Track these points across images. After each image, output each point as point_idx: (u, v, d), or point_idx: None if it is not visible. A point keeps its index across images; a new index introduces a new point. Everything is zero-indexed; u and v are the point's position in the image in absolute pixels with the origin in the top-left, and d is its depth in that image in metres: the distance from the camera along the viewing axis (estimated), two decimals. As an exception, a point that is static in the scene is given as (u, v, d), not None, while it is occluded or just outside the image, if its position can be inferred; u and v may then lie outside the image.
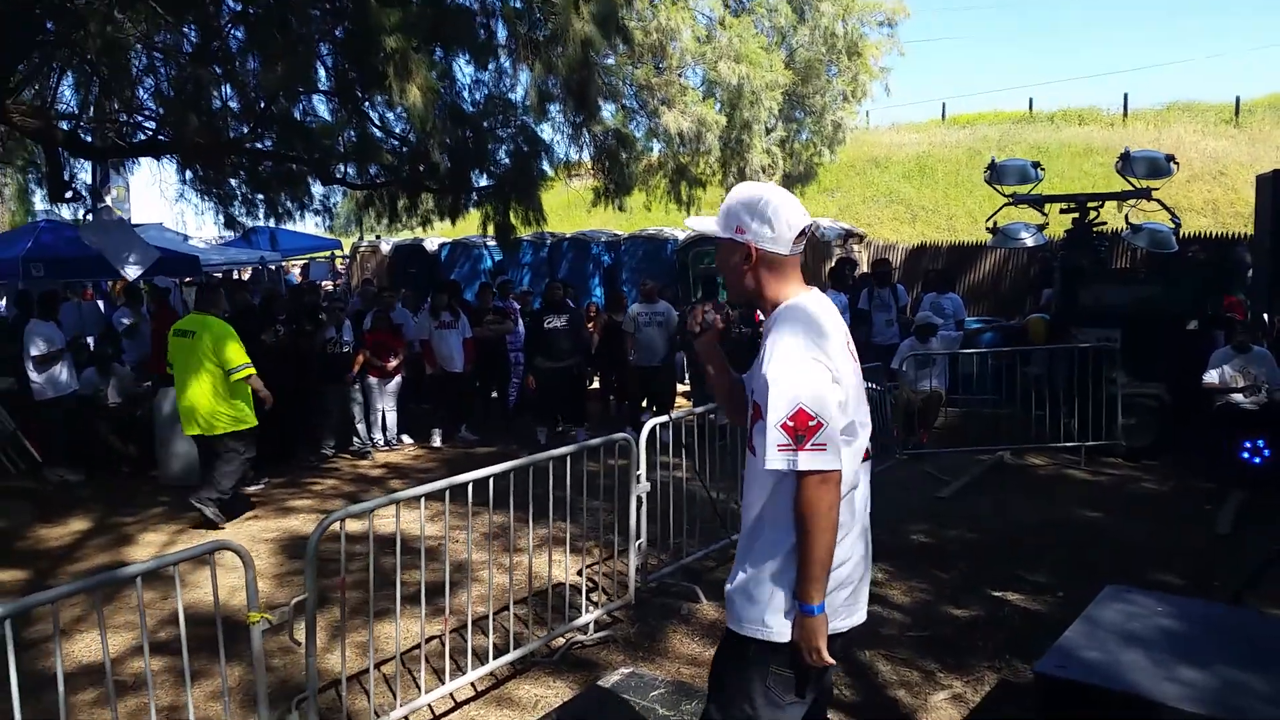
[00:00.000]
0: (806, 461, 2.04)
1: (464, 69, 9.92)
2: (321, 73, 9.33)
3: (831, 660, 2.15)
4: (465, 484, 4.04)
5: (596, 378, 11.22)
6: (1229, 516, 6.53)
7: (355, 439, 9.24)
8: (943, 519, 6.79)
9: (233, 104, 9.41)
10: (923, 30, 71.33)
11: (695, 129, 11.10)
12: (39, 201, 14.59)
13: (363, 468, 8.76)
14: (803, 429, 2.03)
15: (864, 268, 12.60)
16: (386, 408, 9.48)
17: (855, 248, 13.38)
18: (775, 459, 2.07)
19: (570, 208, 23.45)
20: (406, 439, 9.72)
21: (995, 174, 9.20)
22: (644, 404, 9.64)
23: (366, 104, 9.33)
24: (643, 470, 5.01)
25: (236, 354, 6.67)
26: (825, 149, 13.92)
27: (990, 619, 4.97)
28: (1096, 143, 25.30)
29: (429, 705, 4.04)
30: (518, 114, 9.39)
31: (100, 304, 11.63)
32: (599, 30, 7.69)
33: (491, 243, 13.36)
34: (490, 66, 9.59)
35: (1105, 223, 9.12)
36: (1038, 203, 9.04)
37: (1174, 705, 2.89)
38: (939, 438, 9.03)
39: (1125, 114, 28.01)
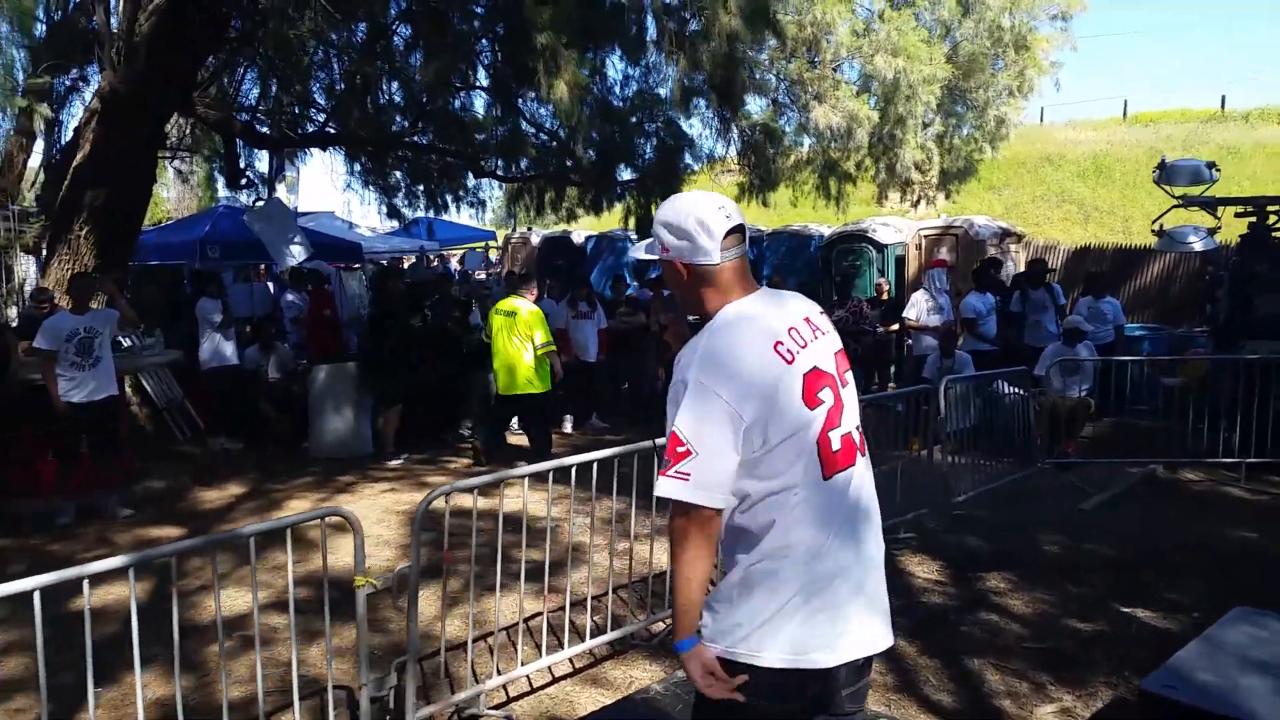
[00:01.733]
0: (663, 486, 1.91)
1: (616, 65, 10.12)
2: (481, 70, 9.74)
3: (729, 694, 1.94)
4: (569, 467, 4.17)
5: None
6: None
7: (493, 421, 9.59)
8: (1080, 532, 6.45)
9: (397, 98, 9.94)
10: (1104, 24, 66.91)
11: (845, 124, 10.91)
12: (221, 188, 15.79)
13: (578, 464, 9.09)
14: (670, 453, 1.91)
15: (1022, 268, 12.06)
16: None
17: (1013, 248, 12.80)
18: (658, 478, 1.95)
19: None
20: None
21: (1165, 174, 8.62)
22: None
23: (520, 99, 9.64)
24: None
25: (546, 333, 7.91)
26: (987, 145, 13.35)
27: (1115, 635, 4.70)
28: (1285, 143, 23.32)
29: (527, 677, 4.19)
30: (664, 109, 9.49)
31: (270, 285, 12.49)
32: (746, 24, 7.66)
33: (635, 236, 13.57)
34: (640, 62, 9.76)
35: (1288, 228, 8.39)
36: (1210, 205, 8.42)
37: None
38: (1086, 448, 8.56)
39: (1334, 109, 25.63)
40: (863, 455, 2.10)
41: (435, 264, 17.53)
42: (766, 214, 15.54)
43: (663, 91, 10.23)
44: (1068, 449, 8.34)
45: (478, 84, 9.65)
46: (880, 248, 12.72)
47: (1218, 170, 8.65)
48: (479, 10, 8.22)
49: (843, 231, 13.23)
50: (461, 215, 13.33)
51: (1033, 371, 8.42)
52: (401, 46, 9.35)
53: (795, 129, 11.82)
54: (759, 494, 1.96)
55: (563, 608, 4.40)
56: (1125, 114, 29.89)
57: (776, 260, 13.89)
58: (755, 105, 11.95)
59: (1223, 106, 28.23)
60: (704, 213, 2.02)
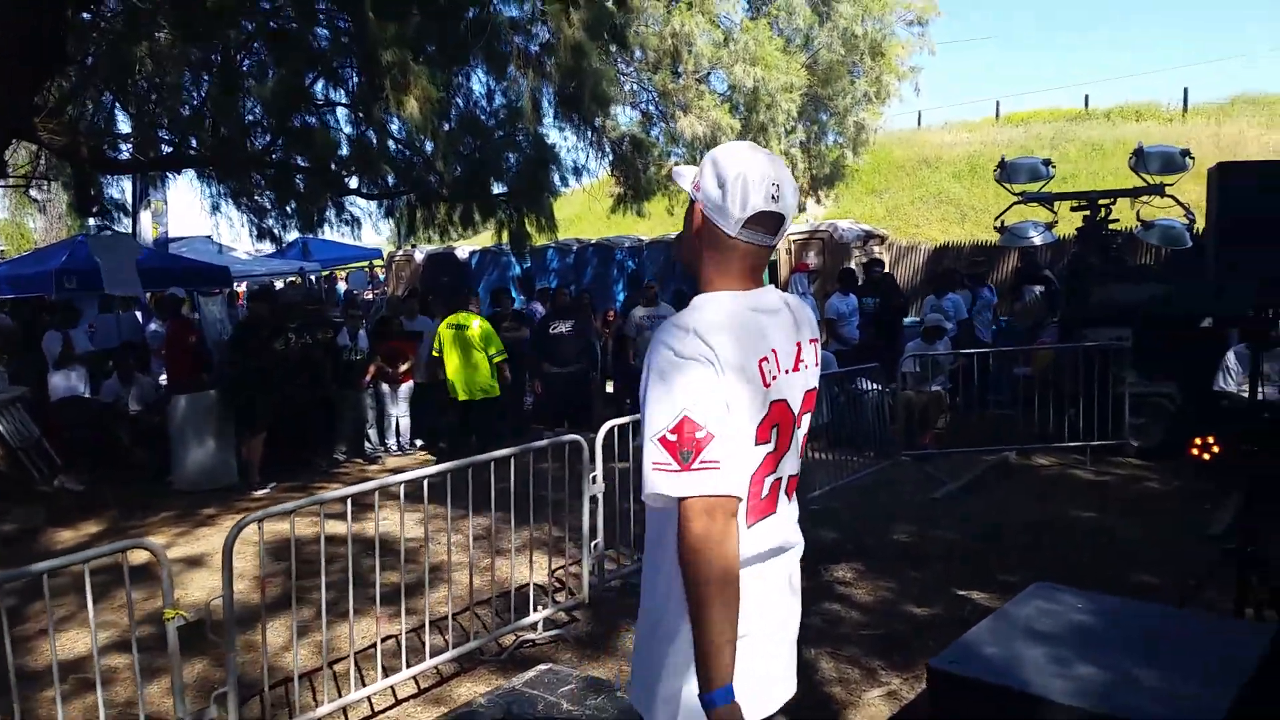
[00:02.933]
0: (690, 484, 1.57)
1: (480, 80, 10.12)
2: (338, 88, 9.62)
3: None
4: (398, 485, 4.15)
5: (610, 382, 11.31)
6: (1225, 518, 6.33)
7: (367, 444, 9.46)
8: (931, 520, 6.70)
9: (251, 117, 9.74)
10: (972, 28, 69.91)
11: (710, 133, 11.13)
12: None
13: (371, 473, 8.95)
14: (688, 443, 1.57)
15: (887, 269, 12.47)
16: (399, 414, 9.68)
17: (876, 249, 13.24)
18: (653, 480, 1.60)
19: (599, 214, 23.75)
20: (419, 444, 9.90)
21: (1005, 172, 9.05)
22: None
23: (385, 115, 9.56)
24: (599, 471, 5.07)
25: (498, 344, 8.49)
26: (849, 151, 13.78)
27: (949, 619, 4.89)
28: (1154, 139, 24.47)
29: (369, 700, 4.15)
30: (530, 123, 9.53)
31: (139, 315, 12.08)
32: (589, 36, 7.77)
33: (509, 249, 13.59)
34: (505, 78, 9.77)
35: (1118, 220, 8.89)
36: (1048, 200, 8.86)
37: (1057, 700, 2.84)
38: (943, 439, 8.89)
39: (1185, 109, 27.16)
40: (789, 502, 1.88)
41: (314, 284, 17.20)
42: (646, 223, 15.74)
43: (526, 105, 10.28)
44: (925, 441, 8.64)
45: (336, 101, 9.55)
46: (753, 253, 12.92)
47: (1053, 167, 9.11)
48: (326, 29, 8.11)
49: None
50: (335, 234, 13.11)
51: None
52: (254, 65, 9.18)
53: (665, 140, 12.00)
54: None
55: (414, 629, 4.38)
56: (998, 115, 31.11)
57: (657, 269, 14.07)
58: (625, 117, 12.11)
59: (1086, 105, 29.64)
60: (753, 178, 1.72)
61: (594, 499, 5.08)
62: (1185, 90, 27.27)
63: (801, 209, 14.94)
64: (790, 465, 1.85)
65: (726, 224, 1.74)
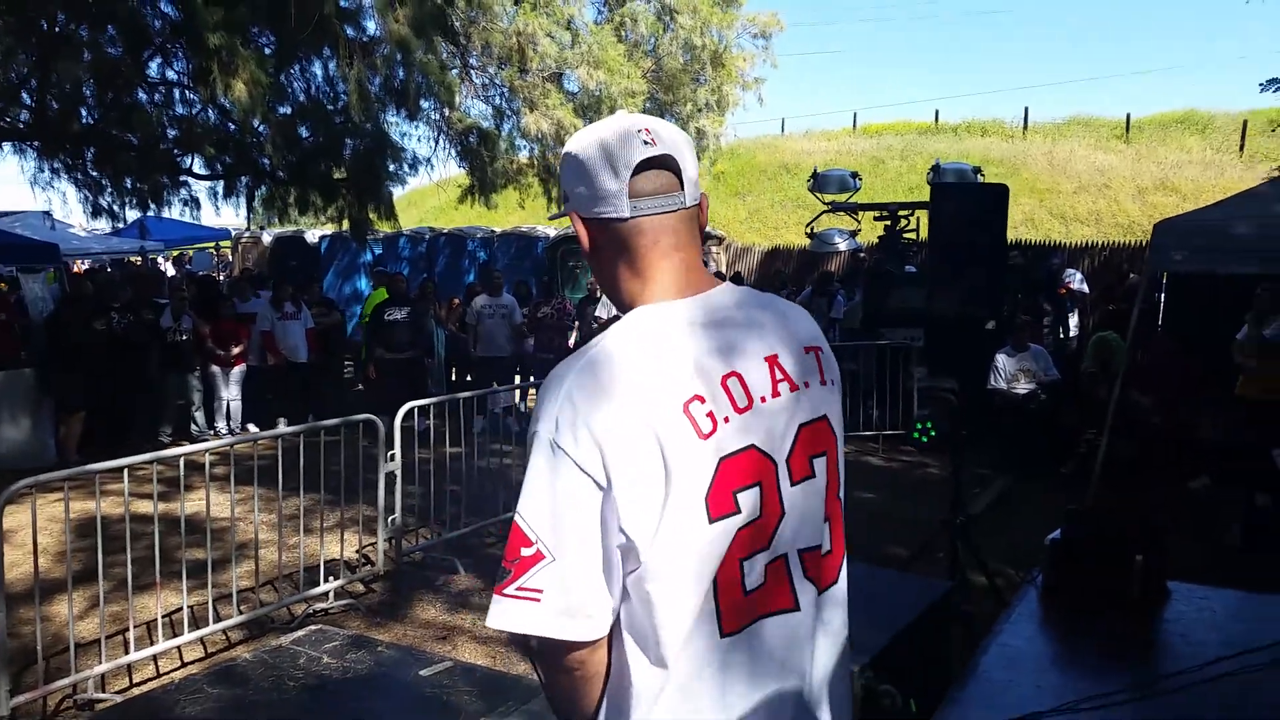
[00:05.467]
0: (500, 615, 1.18)
1: (321, 68, 10.17)
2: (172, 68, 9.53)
3: None
4: (177, 458, 4.35)
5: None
6: (985, 499, 7.08)
7: (193, 427, 9.42)
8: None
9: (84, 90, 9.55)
10: (830, 41, 73.20)
11: (555, 131, 11.50)
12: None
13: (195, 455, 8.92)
14: (513, 555, 1.18)
15: (722, 269, 13.11)
16: (230, 396, 9.67)
17: (714, 249, 13.89)
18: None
19: (453, 205, 23.90)
20: (252, 427, 9.90)
21: (817, 183, 9.69)
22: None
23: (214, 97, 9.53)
24: (396, 450, 5.36)
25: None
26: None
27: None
28: (994, 154, 26.25)
29: (154, 659, 4.34)
30: (353, 112, 9.64)
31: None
32: (415, 33, 8.02)
33: (371, 236, 13.63)
34: (351, 66, 9.87)
35: (915, 230, 9.68)
36: (853, 210, 9.56)
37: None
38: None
39: (1025, 127, 29.05)
40: (823, 591, 1.32)
41: (151, 265, 16.76)
42: (499, 216, 15.98)
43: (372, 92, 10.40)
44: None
45: (171, 81, 9.47)
46: (601, 248, 13.41)
47: (860, 179, 9.83)
48: (151, 9, 8.09)
49: (565, 233, 13.88)
50: (176, 214, 12.86)
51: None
52: (82, 40, 9.01)
53: (514, 134, 12.32)
54: (629, 641, 1.21)
55: (214, 600, 4.57)
56: (855, 125, 32.57)
57: (508, 260, 14.35)
58: (477, 110, 12.34)
59: (936, 120, 31.31)
60: (610, 136, 1.25)
61: (390, 476, 5.36)
62: (1026, 110, 29.10)
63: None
64: (802, 535, 1.27)
65: (613, 206, 1.24)
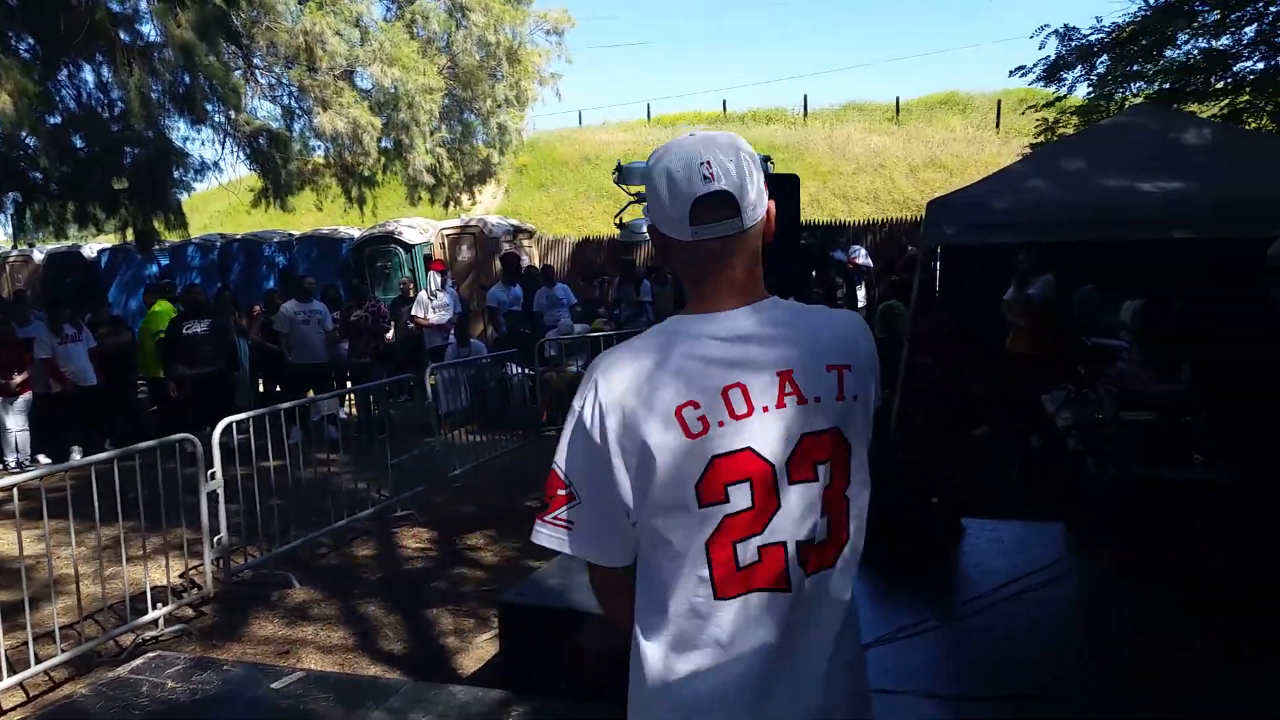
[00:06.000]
0: (541, 534, 1.50)
1: (94, 75, 9.46)
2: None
3: None
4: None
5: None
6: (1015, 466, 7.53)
7: (-21, 462, 8.65)
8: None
9: None
10: (621, 34, 74.78)
11: (352, 129, 11.23)
12: None
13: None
14: (550, 494, 1.50)
15: (535, 263, 13.24)
16: (16, 427, 8.93)
17: (525, 243, 13.99)
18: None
19: (244, 209, 22.85)
20: (44, 459, 9.18)
21: (622, 175, 9.97)
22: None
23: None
24: (217, 468, 5.19)
25: None
26: (496, 151, 14.44)
27: (559, 570, 5.56)
28: (779, 141, 27.62)
29: (-35, 713, 4.04)
30: (135, 120, 9.09)
31: None
32: (199, 36, 7.66)
33: (157, 247, 12.81)
34: (129, 73, 9.24)
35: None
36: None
37: (597, 611, 3.49)
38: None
39: (806, 114, 30.58)
40: (814, 574, 1.48)
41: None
42: (295, 219, 15.40)
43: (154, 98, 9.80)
44: (567, 417, 9.43)
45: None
46: (408, 248, 13.27)
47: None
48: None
49: (371, 234, 13.59)
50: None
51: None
52: None
53: (303, 134, 11.92)
54: (640, 591, 1.53)
55: (25, 643, 4.28)
56: (649, 116, 33.34)
57: (309, 264, 13.87)
58: (264, 111, 11.85)
59: (725, 110, 32.50)
60: (675, 166, 1.44)
61: (212, 495, 5.18)
62: (805, 97, 30.66)
63: (456, 203, 15.31)
64: (802, 528, 1.45)
65: (676, 229, 1.46)
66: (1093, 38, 11.04)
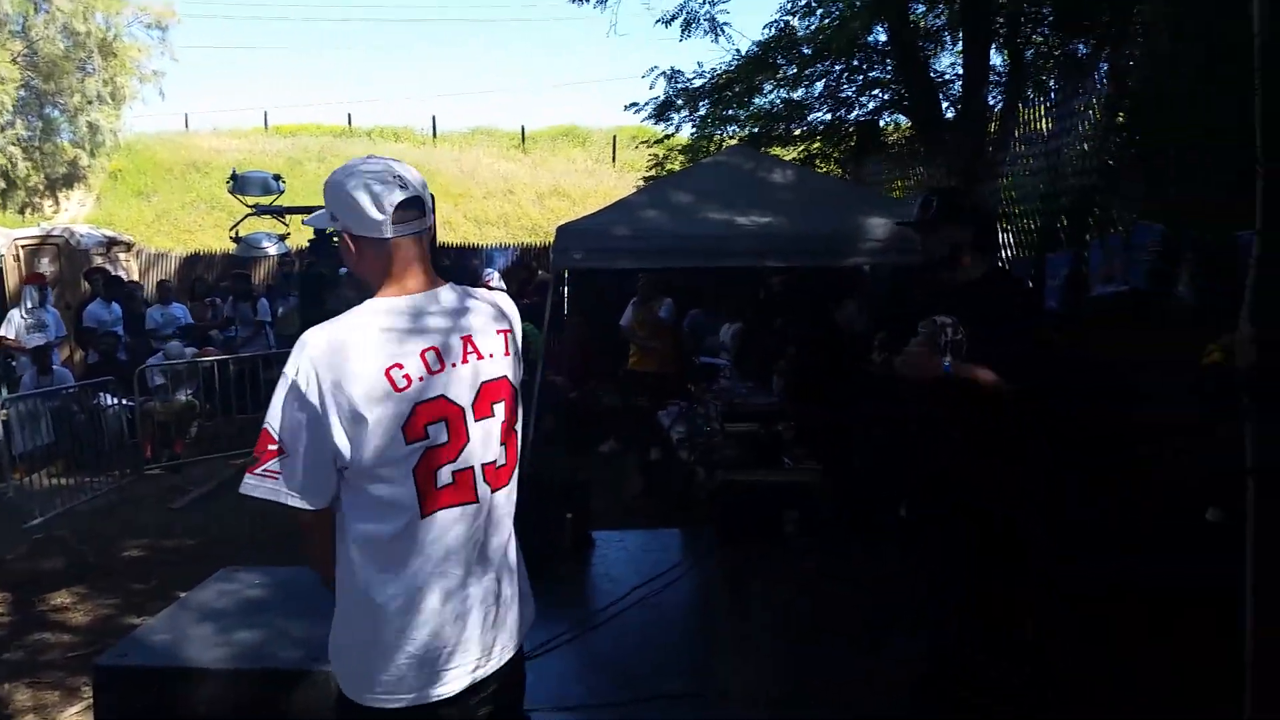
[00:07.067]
0: (251, 485, 1.81)
1: None
2: None
3: None
4: None
5: None
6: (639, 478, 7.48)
7: None
8: (167, 530, 6.69)
9: None
10: (239, 34, 69.82)
11: (-111, 117, 9.37)
12: None
13: None
14: (261, 450, 1.81)
15: (135, 277, 11.88)
16: None
17: (122, 256, 12.53)
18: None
19: None
20: None
21: (238, 185, 9.34)
22: None
23: None
24: None
25: None
26: (85, 153, 12.75)
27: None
28: (409, 160, 26.45)
29: None
30: None
31: None
32: None
33: None
34: None
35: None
36: (279, 213, 9.40)
37: (212, 667, 3.18)
38: (195, 448, 8.87)
39: (435, 135, 30.51)
40: (495, 490, 1.95)
41: None
42: None
43: None
44: (177, 450, 8.55)
45: None
46: (-35, 260, 11.31)
47: (284, 182, 9.69)
48: None
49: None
50: None
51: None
52: None
53: None
54: (356, 519, 1.86)
55: None
56: (266, 124, 31.36)
57: None
58: None
59: (350, 124, 31.48)
60: (372, 177, 1.84)
61: None
62: (434, 118, 30.64)
63: (34, 209, 13.33)
64: (486, 454, 1.91)
65: (376, 230, 1.84)
66: (696, 82, 12.15)
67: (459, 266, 12.76)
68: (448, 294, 1.95)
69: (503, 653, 2.01)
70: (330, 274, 9.42)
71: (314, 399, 1.75)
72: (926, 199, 3.41)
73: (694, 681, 4.04)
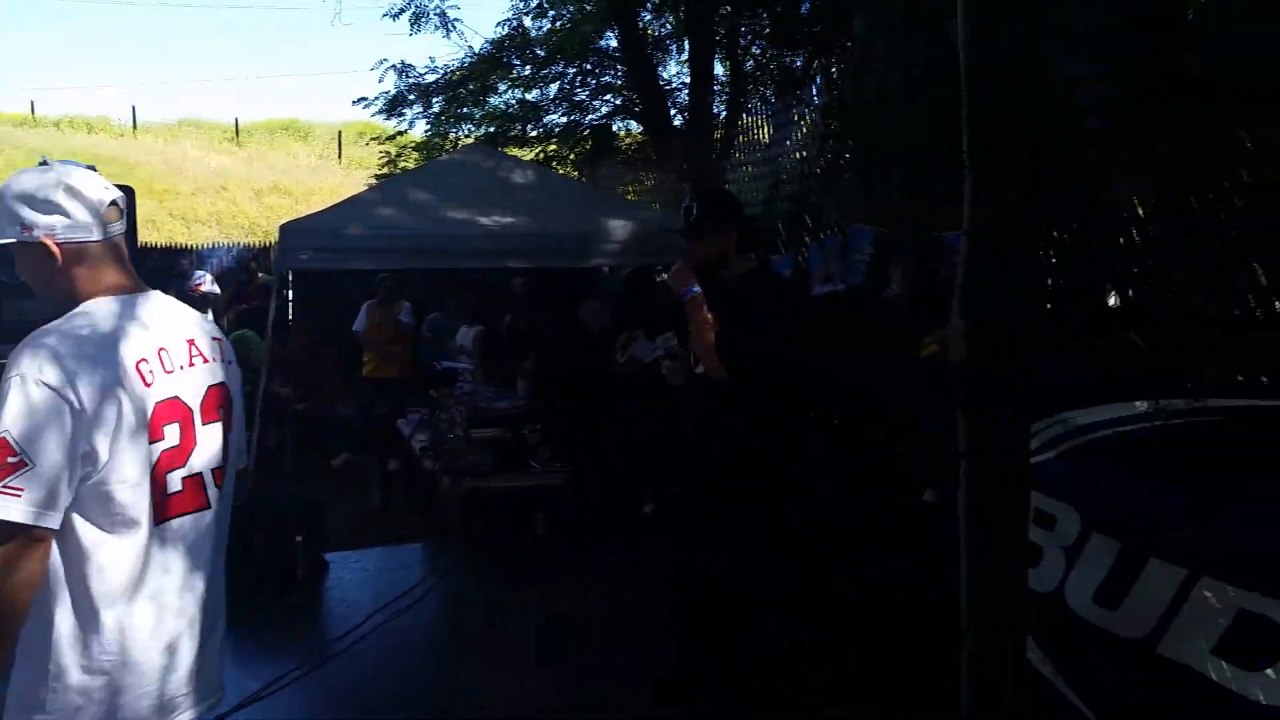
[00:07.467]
0: None
1: None
2: None
3: None
4: None
5: None
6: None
7: None
8: None
9: None
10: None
11: None
12: None
13: None
14: None
15: None
16: None
17: None
18: None
19: None
20: None
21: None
22: None
23: None
24: None
25: None
26: None
27: None
28: (105, 152, 24.59)
29: None
30: None
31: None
32: None
33: None
34: None
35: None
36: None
37: None
38: None
39: (135, 126, 27.91)
40: (221, 496, 1.89)
41: None
42: None
43: None
44: None
45: None
46: None
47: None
48: None
49: None
50: None
51: None
52: None
53: None
54: (91, 529, 1.66)
55: None
56: (-77, 110, 27.26)
57: None
58: None
59: (33, 112, 28.22)
60: (77, 182, 1.74)
61: None
62: (134, 109, 27.93)
63: None
64: (209, 459, 1.84)
65: (88, 233, 1.75)
66: (428, 78, 11.79)
67: (165, 268, 11.61)
68: (160, 297, 1.89)
69: (199, 699, 1.87)
70: (11, 281, 8.24)
71: (60, 398, 1.58)
72: (688, 206, 3.45)
73: (440, 705, 3.84)
